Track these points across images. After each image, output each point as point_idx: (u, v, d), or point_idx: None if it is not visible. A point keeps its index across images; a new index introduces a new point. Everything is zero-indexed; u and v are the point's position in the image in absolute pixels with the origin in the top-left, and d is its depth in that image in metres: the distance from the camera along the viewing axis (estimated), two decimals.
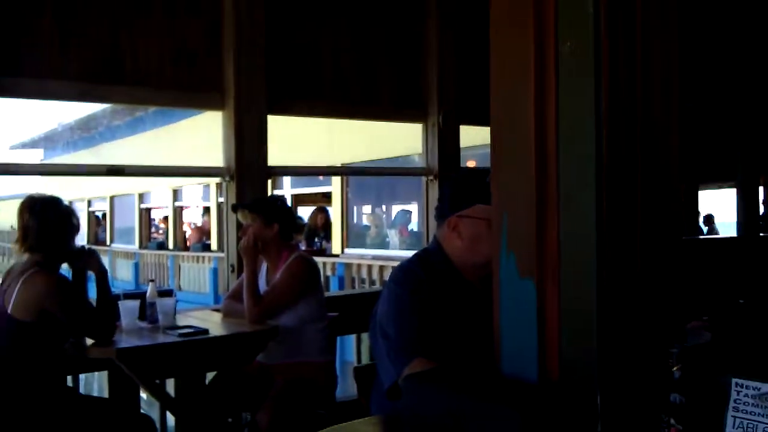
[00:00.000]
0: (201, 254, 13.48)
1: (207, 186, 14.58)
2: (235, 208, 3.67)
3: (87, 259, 3.05)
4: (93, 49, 3.77)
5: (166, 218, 16.28)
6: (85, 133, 18.64)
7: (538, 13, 1.34)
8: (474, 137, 5.66)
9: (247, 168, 4.13)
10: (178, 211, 16.05)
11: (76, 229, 3.01)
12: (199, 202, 15.87)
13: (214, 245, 13.96)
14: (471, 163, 8.13)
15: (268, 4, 4.25)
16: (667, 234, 1.37)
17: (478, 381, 1.40)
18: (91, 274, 3.08)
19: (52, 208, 2.92)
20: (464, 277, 2.01)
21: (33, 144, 22.65)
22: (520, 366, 1.38)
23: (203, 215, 15.40)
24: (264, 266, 3.51)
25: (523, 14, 1.37)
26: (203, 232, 14.91)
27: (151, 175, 8.49)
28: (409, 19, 4.94)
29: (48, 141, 21.79)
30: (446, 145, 5.00)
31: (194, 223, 16.28)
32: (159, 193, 16.60)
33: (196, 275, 13.38)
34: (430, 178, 5.02)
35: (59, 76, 3.68)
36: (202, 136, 9.87)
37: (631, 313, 1.31)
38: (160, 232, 17.38)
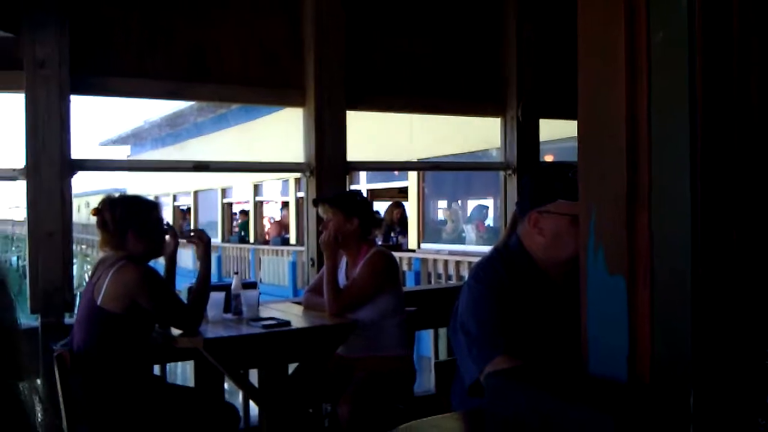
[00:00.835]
0: (280, 248, 13.74)
1: (286, 181, 14.84)
2: (315, 203, 3.72)
3: (197, 242, 3.14)
4: (180, 49, 3.89)
5: (244, 212, 16.65)
6: (171, 129, 19.27)
7: (629, 2, 1.30)
8: (553, 131, 5.56)
9: (327, 163, 4.18)
10: (258, 206, 16.40)
11: (159, 223, 3.08)
12: (278, 196, 16.18)
13: (292, 239, 14.20)
14: (549, 158, 7.97)
15: (347, 1, 4.28)
16: (766, 229, 1.30)
17: (566, 381, 1.37)
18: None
19: (133, 204, 3.01)
20: (546, 273, 1.97)
21: (121, 141, 23.59)
22: (609, 366, 1.34)
23: (282, 210, 15.69)
24: (343, 260, 3.55)
25: (613, 4, 1.33)
26: (282, 226, 15.19)
27: (235, 170, 8.72)
28: (487, 12, 4.88)
29: (134, 138, 22.64)
30: (525, 138, 4.93)
31: (273, 218, 16.62)
32: (240, 187, 17.02)
33: (275, 268, 13.65)
34: (509, 172, 4.96)
35: (148, 75, 3.82)
36: (283, 131, 10.04)
37: (727, 311, 1.26)
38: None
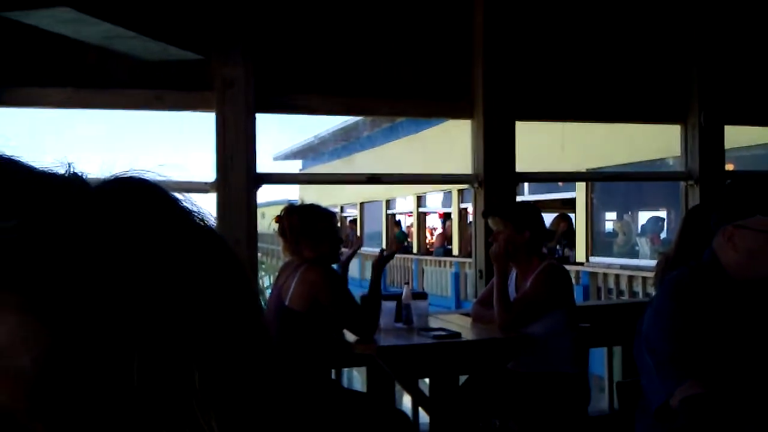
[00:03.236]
0: (443, 258, 13.83)
1: (448, 192, 14.93)
2: (485, 215, 3.71)
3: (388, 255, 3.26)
4: (355, 65, 4.04)
5: (397, 223, 16.92)
6: (340, 143, 20.03)
7: None
8: (737, 138, 5.17)
9: (495, 174, 4.15)
10: (421, 217, 16.62)
11: (334, 231, 3.20)
12: (441, 207, 16.30)
13: (455, 250, 14.25)
14: (729, 167, 7.42)
15: (515, 12, 4.24)
16: None
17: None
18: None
19: (310, 213, 3.14)
20: (742, 290, 1.83)
21: (293, 156, 24.84)
22: None
23: (444, 220, 15.79)
24: (513, 273, 3.50)
25: None
26: (445, 237, 15.28)
27: (405, 182, 8.89)
28: (667, 17, 4.64)
29: (306, 152, 23.75)
30: (708, 147, 4.61)
31: (435, 228, 16.77)
32: (403, 199, 17.33)
33: (438, 279, 13.75)
34: (690, 183, 4.66)
35: (326, 91, 4.00)
36: (449, 141, 10.11)
37: None
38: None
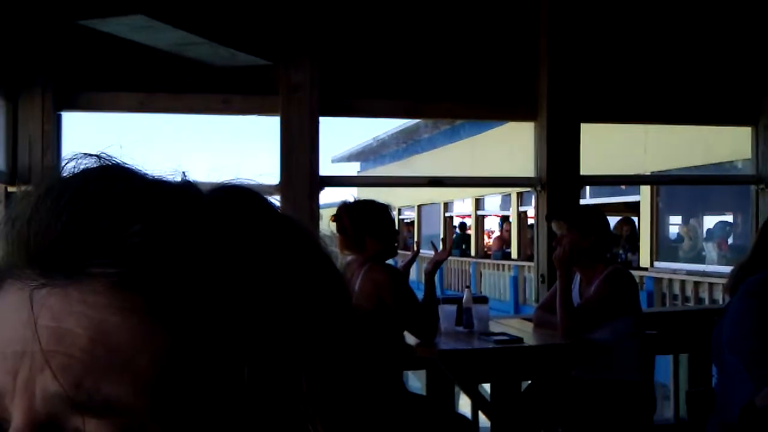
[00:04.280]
0: (501, 262, 13.72)
1: (507, 195, 14.80)
2: (549, 218, 3.67)
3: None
4: (417, 69, 4.06)
5: (463, 225, 16.84)
6: (399, 145, 20.08)
7: None
8: None
9: (559, 177, 4.11)
10: (479, 220, 16.52)
11: (392, 224, 3.20)
12: (499, 210, 16.18)
13: (514, 253, 14.11)
14: None
15: (580, 13, 4.19)
16: None
17: None
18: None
19: (368, 208, 3.15)
20: None
21: (352, 158, 25.01)
22: None
23: (502, 224, 15.67)
24: (577, 278, 3.46)
25: None
26: (502, 240, 15.16)
27: (468, 185, 8.86)
28: (738, 15, 4.51)
29: (364, 155, 23.88)
30: None
31: (493, 231, 16.65)
32: (461, 201, 17.27)
33: (496, 282, 13.65)
34: (761, 187, 4.52)
35: (388, 95, 4.03)
36: (509, 144, 10.04)
37: None
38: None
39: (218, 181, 0.48)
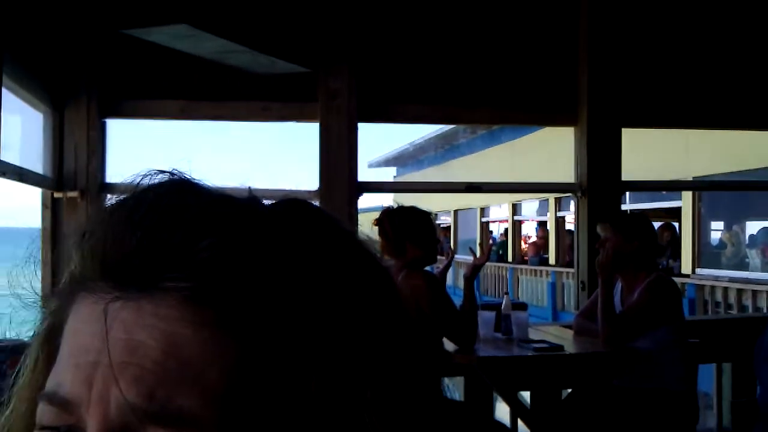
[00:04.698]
0: (539, 268, 13.59)
1: (545, 200, 14.67)
2: (596, 224, 3.61)
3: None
4: (455, 74, 4.06)
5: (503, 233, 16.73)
6: (436, 151, 20.05)
7: None
8: None
9: (600, 183, 4.06)
10: (516, 225, 16.41)
11: (433, 232, 3.21)
12: (536, 216, 16.04)
13: (551, 259, 13.97)
14: None
15: (621, 19, 4.15)
16: None
17: None
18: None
19: (410, 214, 3.15)
20: None
21: (387, 163, 25.05)
22: None
23: (539, 229, 15.53)
24: (618, 285, 3.41)
25: None
26: (541, 246, 15.02)
27: (506, 191, 8.78)
28: None
29: (400, 160, 23.90)
30: None
31: (530, 236, 16.51)
32: (498, 207, 17.16)
33: (533, 288, 13.52)
34: None
35: (427, 101, 4.03)
36: (548, 149, 9.94)
37: None
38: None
39: (264, 188, 0.49)
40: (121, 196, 0.45)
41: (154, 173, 0.46)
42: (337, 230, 0.47)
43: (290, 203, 0.47)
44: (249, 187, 0.48)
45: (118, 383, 0.39)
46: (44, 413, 0.42)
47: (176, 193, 0.44)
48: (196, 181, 0.46)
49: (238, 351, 0.41)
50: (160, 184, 0.45)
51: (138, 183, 0.45)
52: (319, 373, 0.42)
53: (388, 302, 0.47)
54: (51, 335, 0.46)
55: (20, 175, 3.16)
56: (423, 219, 3.16)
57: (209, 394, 0.39)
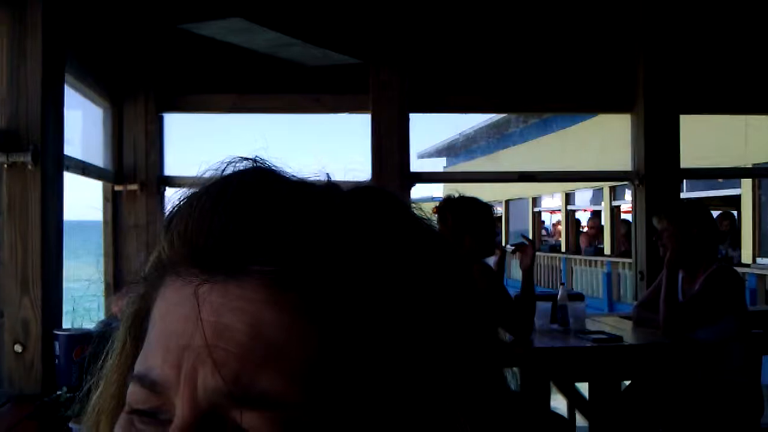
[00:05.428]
0: (594, 258, 13.37)
1: (599, 189, 14.42)
2: (652, 214, 3.54)
3: (523, 249, 3.20)
4: (506, 62, 4.01)
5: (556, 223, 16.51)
6: (486, 140, 19.89)
7: None
8: None
9: (658, 171, 3.97)
10: (570, 215, 16.18)
11: (492, 224, 3.18)
12: (589, 205, 15.78)
13: (606, 249, 13.73)
14: None
15: (678, 2, 4.03)
16: None
17: None
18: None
19: (471, 205, 3.13)
20: None
21: (437, 153, 24.96)
22: None
23: (593, 219, 15.26)
24: (680, 275, 3.33)
25: None
26: (593, 236, 14.78)
27: (561, 180, 8.64)
28: None
29: (450, 150, 23.78)
30: None
31: (584, 226, 16.24)
32: (551, 197, 16.94)
33: (588, 279, 13.31)
34: None
35: (478, 90, 4.00)
36: (603, 136, 9.76)
37: None
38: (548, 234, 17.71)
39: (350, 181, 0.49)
40: (207, 183, 0.45)
41: (238, 160, 0.46)
42: (413, 218, 0.48)
43: (368, 190, 0.47)
44: (327, 174, 0.48)
45: (206, 366, 0.40)
46: (134, 395, 0.43)
47: (260, 180, 0.45)
48: (277, 169, 0.47)
49: (321, 335, 0.41)
50: (244, 172, 0.46)
51: (223, 170, 0.46)
52: (397, 360, 0.42)
53: (464, 291, 0.47)
54: (138, 319, 0.47)
55: (83, 168, 3.24)
56: (483, 211, 3.15)
57: (293, 376, 0.40)
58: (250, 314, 0.40)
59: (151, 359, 0.43)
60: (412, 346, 0.42)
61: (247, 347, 0.40)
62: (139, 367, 0.44)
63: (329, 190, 0.46)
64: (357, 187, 0.47)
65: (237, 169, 0.46)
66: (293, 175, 0.47)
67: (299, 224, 0.42)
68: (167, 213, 0.45)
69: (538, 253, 15.82)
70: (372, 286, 0.42)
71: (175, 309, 0.43)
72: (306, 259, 0.41)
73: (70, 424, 1.75)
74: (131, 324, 0.48)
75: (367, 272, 0.42)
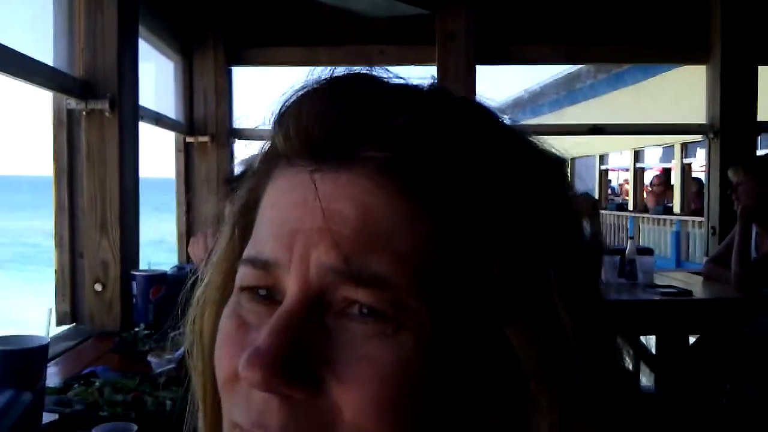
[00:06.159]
0: (662, 217, 13.03)
1: (669, 146, 13.97)
2: (729, 168, 3.43)
3: (584, 204, 3.16)
4: (577, 10, 3.90)
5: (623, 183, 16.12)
6: (558, 94, 19.43)
7: None
8: None
9: (734, 124, 3.82)
10: (638, 172, 15.76)
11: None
12: (659, 163, 15.32)
13: (676, 208, 13.36)
14: None
15: None
16: None
17: None
18: None
19: None
20: None
21: (505, 109, 24.49)
22: None
23: (658, 177, 14.83)
24: (754, 231, 3.23)
25: None
26: (659, 194, 14.38)
27: (631, 133, 8.39)
28: None
29: (518, 105, 23.35)
30: None
31: (653, 185, 15.82)
32: (619, 154, 16.51)
33: (656, 238, 13.00)
34: None
35: (547, 40, 3.91)
36: (677, 91, 9.43)
37: None
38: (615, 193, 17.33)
39: None
40: (317, 78, 0.47)
41: (343, 70, 0.48)
42: (505, 124, 0.49)
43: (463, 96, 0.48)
44: (432, 75, 0.49)
45: (319, 248, 0.42)
46: (245, 275, 0.46)
47: (369, 79, 0.47)
48: (376, 74, 0.48)
49: (429, 221, 0.42)
50: (352, 74, 0.47)
51: (328, 76, 0.47)
52: (502, 251, 0.43)
53: (563, 191, 0.48)
54: (246, 209, 0.50)
55: (156, 119, 3.33)
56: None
57: (401, 260, 0.41)
58: (359, 201, 0.42)
59: (263, 244, 0.45)
60: (513, 238, 0.43)
61: (357, 231, 0.42)
62: (248, 251, 0.46)
63: (436, 88, 0.48)
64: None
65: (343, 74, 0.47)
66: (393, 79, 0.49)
67: (410, 113, 0.43)
68: (278, 108, 0.47)
69: (604, 212, 15.56)
70: (478, 176, 0.43)
71: (286, 196, 0.45)
72: (416, 146, 0.43)
73: (149, 358, 1.84)
74: (240, 214, 0.51)
75: (473, 163, 0.43)
